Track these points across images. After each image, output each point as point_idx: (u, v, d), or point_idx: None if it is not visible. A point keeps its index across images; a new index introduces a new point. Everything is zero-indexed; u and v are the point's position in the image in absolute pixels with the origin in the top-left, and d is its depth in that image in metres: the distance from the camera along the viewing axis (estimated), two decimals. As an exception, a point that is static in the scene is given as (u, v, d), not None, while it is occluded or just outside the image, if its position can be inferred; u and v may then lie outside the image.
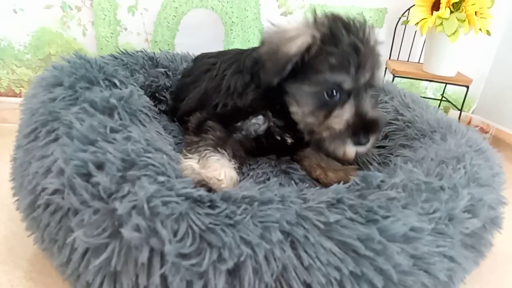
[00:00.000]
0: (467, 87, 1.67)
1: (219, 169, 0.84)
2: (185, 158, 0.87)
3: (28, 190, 0.69)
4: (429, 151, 0.96)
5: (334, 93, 0.87)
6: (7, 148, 0.92)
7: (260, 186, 0.71)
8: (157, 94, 1.35)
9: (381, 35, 1.89)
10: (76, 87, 0.85)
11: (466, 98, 1.74)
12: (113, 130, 0.73)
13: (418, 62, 1.90)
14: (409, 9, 1.76)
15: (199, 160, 0.87)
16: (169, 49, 1.74)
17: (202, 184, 0.74)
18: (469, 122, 2.05)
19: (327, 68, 0.85)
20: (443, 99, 2.01)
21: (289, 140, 1.05)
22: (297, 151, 1.14)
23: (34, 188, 0.68)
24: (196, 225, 0.57)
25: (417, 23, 1.60)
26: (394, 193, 0.71)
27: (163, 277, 0.55)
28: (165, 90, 1.37)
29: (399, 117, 1.21)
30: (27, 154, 0.75)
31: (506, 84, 1.90)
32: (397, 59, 1.91)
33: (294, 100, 0.93)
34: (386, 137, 1.23)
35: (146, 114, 0.91)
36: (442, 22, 1.52)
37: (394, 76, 1.69)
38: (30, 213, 0.69)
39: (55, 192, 0.64)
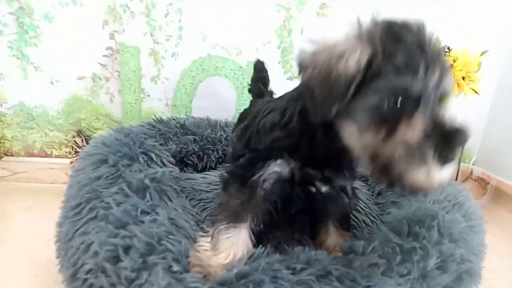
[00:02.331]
0: (464, 142, 1.77)
1: (229, 248, 0.79)
2: (201, 237, 0.86)
3: (70, 262, 0.80)
4: (409, 211, 1.01)
5: (399, 102, 0.66)
6: (41, 206, 1.00)
7: (250, 254, 0.77)
8: (185, 159, 1.52)
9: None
10: (118, 165, 0.98)
11: (466, 151, 1.83)
12: (143, 212, 0.83)
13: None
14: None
15: (212, 238, 0.82)
16: (186, 112, 1.93)
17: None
18: (470, 173, 2.13)
19: (390, 71, 0.66)
20: (444, 152, 2.10)
21: (324, 189, 0.88)
22: (319, 224, 1.01)
23: (75, 261, 0.78)
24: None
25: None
26: (375, 258, 0.77)
27: None
28: (193, 155, 1.54)
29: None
30: (73, 226, 0.86)
31: (503, 137, 1.99)
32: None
33: (345, 120, 0.73)
34: (379, 194, 1.30)
35: (175, 189, 1.02)
36: (434, 86, 1.64)
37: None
38: (71, 283, 0.80)
39: (90, 271, 0.73)
